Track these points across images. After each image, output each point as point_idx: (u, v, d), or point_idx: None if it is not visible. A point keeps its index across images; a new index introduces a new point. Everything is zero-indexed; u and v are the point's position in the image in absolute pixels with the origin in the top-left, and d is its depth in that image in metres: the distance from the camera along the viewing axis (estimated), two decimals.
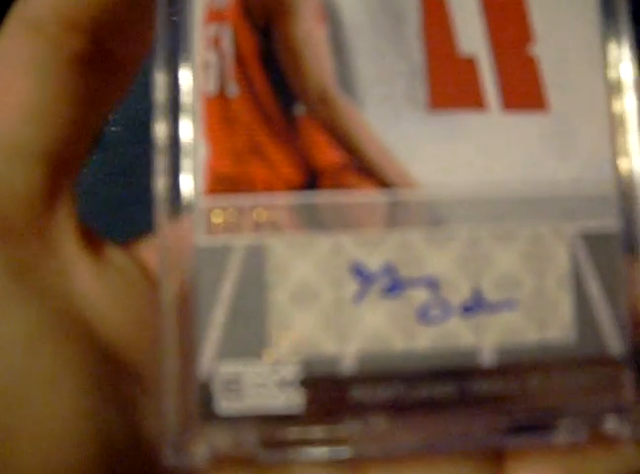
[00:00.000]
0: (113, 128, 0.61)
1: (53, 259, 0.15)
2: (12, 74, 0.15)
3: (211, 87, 0.14)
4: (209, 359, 0.14)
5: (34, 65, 0.15)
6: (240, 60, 0.15)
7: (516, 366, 0.15)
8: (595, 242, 0.15)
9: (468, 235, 0.15)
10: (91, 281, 0.15)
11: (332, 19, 0.15)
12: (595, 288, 0.15)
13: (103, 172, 0.53)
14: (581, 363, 0.15)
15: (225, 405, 0.14)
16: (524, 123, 0.15)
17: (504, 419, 0.15)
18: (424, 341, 0.14)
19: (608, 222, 0.15)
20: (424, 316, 0.14)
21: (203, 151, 0.14)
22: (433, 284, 0.14)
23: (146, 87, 0.15)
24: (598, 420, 0.15)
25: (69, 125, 0.15)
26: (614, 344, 0.15)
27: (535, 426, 0.15)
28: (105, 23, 0.15)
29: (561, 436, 0.15)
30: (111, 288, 0.15)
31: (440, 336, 0.14)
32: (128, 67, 0.16)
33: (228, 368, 0.14)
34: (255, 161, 0.14)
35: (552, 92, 0.15)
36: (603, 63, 0.15)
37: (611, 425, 0.15)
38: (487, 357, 0.15)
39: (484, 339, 0.15)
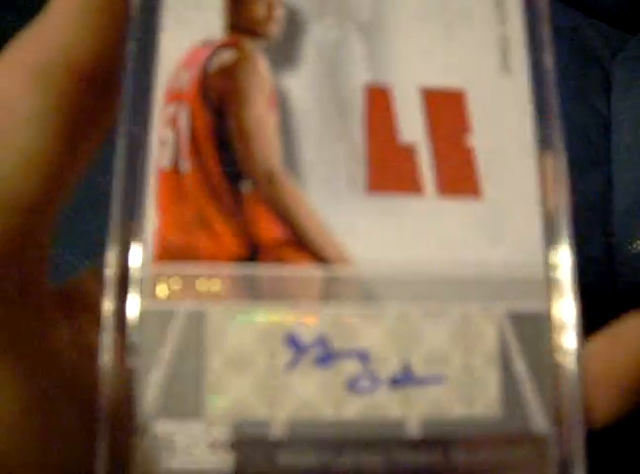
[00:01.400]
0: None
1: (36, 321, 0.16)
2: (10, 121, 0.15)
3: (165, 162, 0.16)
4: (145, 418, 0.15)
5: (36, 115, 0.15)
6: (194, 139, 0.16)
7: (441, 440, 0.15)
8: (522, 322, 0.16)
9: (399, 312, 0.16)
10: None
11: (282, 105, 0.16)
12: (521, 367, 0.16)
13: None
14: (506, 440, 0.16)
15: (159, 462, 0.15)
16: (458, 209, 0.16)
17: None
18: (352, 410, 0.15)
19: (536, 304, 0.16)
20: (353, 387, 0.15)
21: (154, 221, 0.16)
22: (363, 357, 0.16)
23: None
24: None
25: (63, 176, 0.16)
26: (539, 421, 0.16)
27: None
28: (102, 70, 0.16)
29: None
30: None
31: (368, 406, 0.15)
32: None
33: (163, 428, 0.15)
34: (201, 233, 0.16)
35: (486, 180, 0.17)
36: (536, 156, 0.17)
37: None
38: (413, 430, 0.15)
39: (411, 411, 0.15)
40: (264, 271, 0.16)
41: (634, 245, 0.43)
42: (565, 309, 0.16)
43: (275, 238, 0.16)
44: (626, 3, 0.58)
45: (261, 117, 0.16)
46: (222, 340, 0.15)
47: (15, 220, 0.15)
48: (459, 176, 0.17)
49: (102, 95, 0.16)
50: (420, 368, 0.16)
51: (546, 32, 0.17)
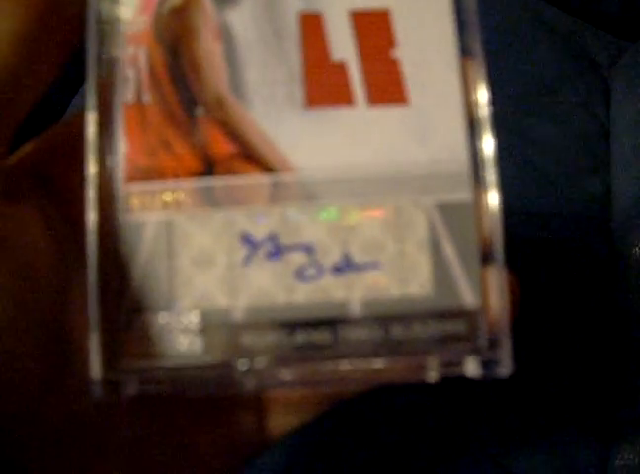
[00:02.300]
0: None
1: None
2: None
3: (130, 96, 0.19)
4: (128, 312, 0.18)
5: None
6: (153, 74, 0.19)
7: (380, 317, 0.18)
8: (449, 211, 0.18)
9: (338, 208, 0.18)
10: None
11: (226, 37, 0.19)
12: (450, 251, 0.18)
13: None
14: (439, 315, 0.18)
15: (139, 347, 0.18)
16: (388, 115, 0.19)
17: (371, 361, 0.18)
18: (301, 296, 0.18)
19: (461, 195, 0.19)
20: (301, 275, 0.18)
21: (124, 147, 0.19)
22: (309, 249, 0.18)
23: None
24: (458, 362, 0.18)
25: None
26: (468, 297, 0.18)
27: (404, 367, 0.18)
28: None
29: (429, 376, 0.18)
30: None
31: (314, 292, 0.18)
32: None
33: (143, 319, 0.18)
34: (164, 154, 0.19)
35: (412, 89, 0.19)
36: (458, 63, 0.19)
37: (470, 367, 0.18)
38: (355, 309, 0.18)
39: (352, 294, 0.18)
40: (219, 181, 0.19)
41: (634, 251, 0.44)
42: (488, 198, 0.18)
43: (227, 153, 0.19)
44: (626, 10, 0.59)
45: (208, 49, 0.19)
46: (187, 243, 0.18)
47: None
48: (387, 86, 0.19)
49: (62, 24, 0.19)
50: (358, 256, 0.18)
51: None
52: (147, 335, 0.18)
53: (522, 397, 0.37)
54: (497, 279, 0.18)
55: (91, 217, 0.18)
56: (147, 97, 0.19)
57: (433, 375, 0.18)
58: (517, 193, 0.47)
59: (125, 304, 0.18)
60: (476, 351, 0.18)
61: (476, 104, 0.19)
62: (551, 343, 0.39)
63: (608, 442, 0.37)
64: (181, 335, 0.18)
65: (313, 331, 0.18)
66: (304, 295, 0.18)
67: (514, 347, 0.18)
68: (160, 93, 0.19)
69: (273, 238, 0.18)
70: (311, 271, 0.18)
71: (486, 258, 0.18)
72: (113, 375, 0.18)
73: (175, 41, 0.19)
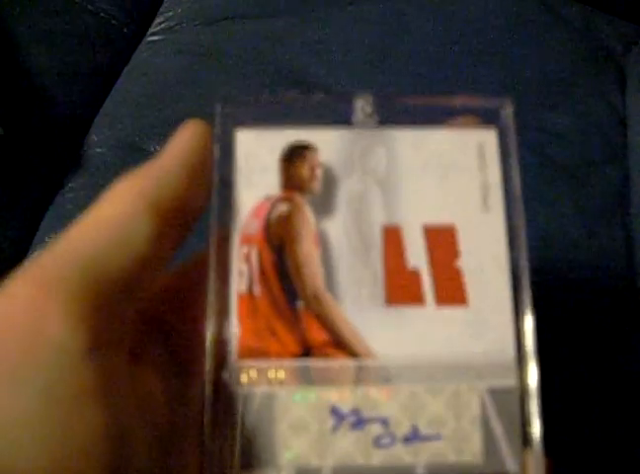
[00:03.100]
0: (97, 150, 0.65)
1: None
2: (124, 231, 0.22)
3: (243, 288, 0.24)
4: (237, 468, 0.23)
5: (144, 232, 0.22)
6: (262, 271, 0.24)
7: None
8: (498, 395, 0.23)
9: (409, 390, 0.23)
10: None
11: (324, 243, 0.24)
12: (497, 427, 0.23)
13: (89, 195, 0.58)
14: None
15: None
16: (451, 314, 0.24)
17: None
18: (377, 459, 0.23)
19: (508, 381, 0.23)
20: (377, 443, 0.23)
21: (237, 329, 0.23)
22: (384, 422, 0.23)
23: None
24: None
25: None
26: (511, 465, 0.23)
27: None
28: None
29: None
30: None
31: (388, 457, 0.23)
32: None
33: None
34: (270, 338, 0.23)
35: (471, 293, 0.24)
36: (508, 273, 0.24)
37: None
38: (420, 472, 0.23)
39: (418, 459, 0.23)
40: (315, 363, 0.23)
41: None
42: (529, 383, 0.23)
43: (321, 340, 0.24)
44: None
45: (309, 252, 0.24)
46: (287, 412, 0.23)
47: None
48: (451, 291, 0.24)
49: (182, 224, 0.24)
50: (424, 429, 0.23)
51: (516, 177, 0.24)
52: None
53: None
54: (536, 454, 0.23)
55: (208, 386, 0.23)
56: (257, 289, 0.24)
57: None
58: (533, 184, 0.48)
59: (234, 461, 0.23)
60: None
61: (522, 308, 0.24)
62: None
63: None
64: None
65: None
66: (379, 459, 0.23)
67: None
68: (268, 286, 0.24)
69: (356, 412, 0.23)
70: (386, 439, 0.23)
71: (527, 438, 0.23)
72: None
73: (281, 243, 0.24)
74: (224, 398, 0.23)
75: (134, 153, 0.60)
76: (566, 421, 0.40)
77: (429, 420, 0.23)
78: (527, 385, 0.24)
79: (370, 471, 0.23)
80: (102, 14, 0.74)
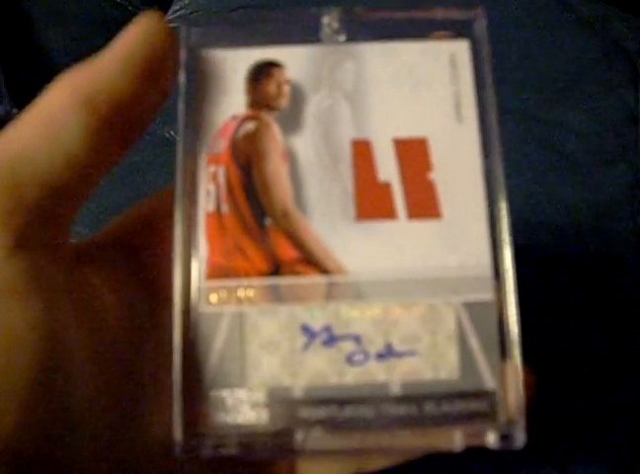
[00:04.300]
0: None
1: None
2: (58, 130, 0.22)
3: (211, 207, 0.23)
4: (206, 387, 0.23)
5: (78, 129, 0.22)
6: (229, 189, 0.24)
7: (415, 396, 0.23)
8: (474, 309, 0.23)
9: (382, 306, 0.23)
10: None
11: (291, 159, 0.24)
12: (474, 342, 0.23)
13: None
14: (465, 396, 0.23)
15: (214, 417, 0.23)
16: (424, 228, 0.23)
17: (407, 433, 0.23)
18: (350, 377, 0.23)
19: (484, 295, 0.23)
20: (350, 360, 0.23)
21: (204, 250, 0.23)
22: (357, 339, 0.23)
23: None
24: (480, 435, 0.23)
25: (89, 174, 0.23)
26: (489, 381, 0.23)
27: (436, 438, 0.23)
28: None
29: (455, 446, 0.23)
30: None
31: (361, 374, 0.23)
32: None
33: (219, 394, 0.23)
34: (238, 257, 0.23)
35: (444, 205, 0.24)
36: (483, 183, 0.24)
37: (490, 439, 0.23)
38: (394, 389, 0.23)
39: (393, 377, 0.23)
40: (284, 281, 0.23)
41: None
42: (507, 299, 0.23)
43: (291, 258, 0.23)
44: None
45: (276, 169, 0.24)
46: (257, 331, 0.23)
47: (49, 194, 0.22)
48: (423, 203, 0.24)
49: (123, 128, 0.23)
50: (398, 346, 0.23)
51: (490, 88, 0.24)
52: (222, 407, 0.23)
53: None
54: (514, 368, 0.23)
55: (176, 306, 0.23)
56: (225, 208, 0.24)
57: (458, 446, 0.23)
58: (545, 180, 0.48)
59: (204, 381, 0.23)
60: (495, 426, 0.23)
61: (499, 218, 0.23)
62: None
63: None
64: (250, 408, 0.23)
65: (359, 407, 0.23)
66: (352, 377, 0.23)
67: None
68: (236, 205, 0.24)
69: (327, 329, 0.23)
70: (359, 357, 0.23)
71: (506, 350, 0.23)
72: (191, 439, 0.22)
73: (248, 162, 0.24)
74: (193, 319, 0.23)
75: (148, 137, 0.61)
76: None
77: (403, 336, 0.23)
78: (505, 298, 0.23)
79: (343, 389, 0.23)
80: (119, 0, 0.76)
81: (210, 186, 0.24)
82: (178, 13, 0.75)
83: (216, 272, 0.23)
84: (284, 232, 0.24)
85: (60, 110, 0.22)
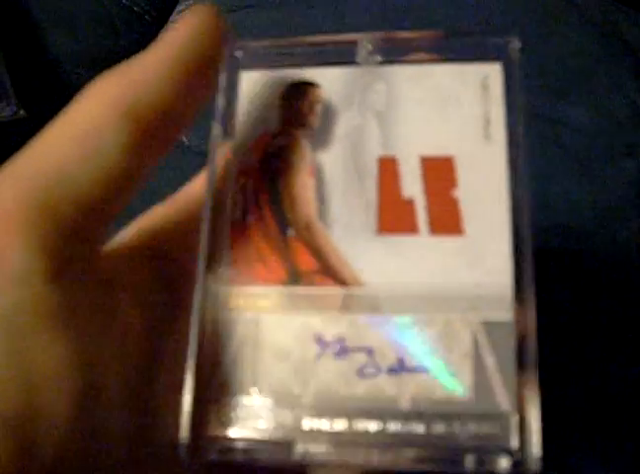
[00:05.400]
0: None
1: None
2: (97, 143, 0.21)
3: (237, 216, 0.25)
4: (216, 389, 0.23)
5: (115, 142, 0.21)
6: (257, 200, 0.25)
7: (425, 413, 0.22)
8: (492, 329, 0.23)
9: (398, 320, 0.23)
10: None
11: (319, 174, 0.25)
12: (490, 362, 0.22)
13: None
14: (478, 417, 0.22)
15: (222, 420, 0.23)
16: (445, 243, 0.24)
17: (415, 451, 0.22)
18: (360, 390, 0.23)
19: (502, 314, 0.23)
20: (361, 373, 0.23)
21: (228, 257, 0.24)
22: (369, 352, 0.23)
23: None
24: (493, 459, 0.22)
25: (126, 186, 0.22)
26: (504, 403, 0.22)
27: (443, 459, 0.22)
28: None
29: (464, 469, 0.22)
30: None
31: (371, 387, 0.23)
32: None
33: (228, 396, 0.23)
34: (260, 265, 0.24)
35: (467, 222, 0.24)
36: (508, 202, 0.24)
37: (502, 464, 0.22)
38: (404, 405, 0.22)
39: (403, 392, 0.23)
40: (302, 291, 0.24)
41: None
42: (526, 319, 0.23)
43: (310, 268, 0.24)
44: None
45: (303, 183, 0.25)
46: (271, 339, 0.23)
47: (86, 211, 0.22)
48: (446, 219, 0.24)
49: (163, 137, 0.23)
50: (410, 361, 0.23)
51: (520, 112, 0.24)
52: (230, 411, 0.23)
53: None
54: (531, 391, 0.22)
55: (195, 310, 0.24)
56: (250, 217, 0.25)
57: (467, 469, 0.22)
58: (551, 178, 0.48)
59: (215, 383, 0.23)
60: (508, 450, 0.22)
61: (522, 238, 0.23)
62: None
63: None
64: (257, 414, 0.23)
65: (367, 420, 0.23)
66: (362, 389, 0.23)
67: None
68: (260, 215, 0.25)
69: (341, 340, 0.23)
70: (370, 370, 0.23)
71: (523, 373, 0.22)
72: (197, 442, 0.23)
73: (277, 175, 0.25)
74: (210, 323, 0.24)
75: None
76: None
77: (416, 351, 0.23)
78: (525, 319, 0.23)
79: (352, 401, 0.23)
80: (124, 0, 0.78)
81: (239, 196, 0.25)
82: (183, 13, 0.79)
83: (238, 278, 0.24)
84: (305, 243, 0.24)
85: (99, 122, 0.21)
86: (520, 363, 0.22)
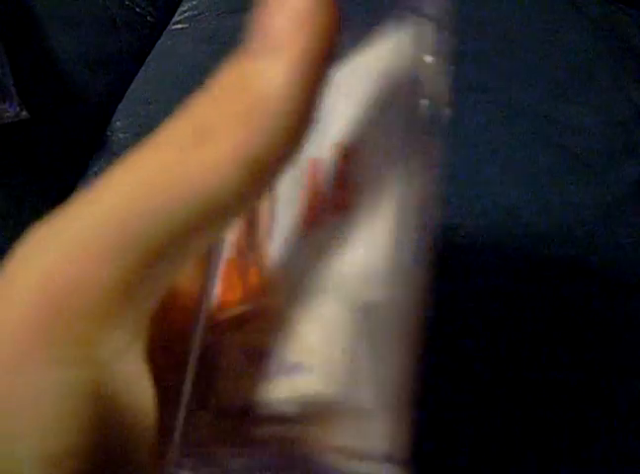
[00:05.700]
0: (120, 135, 0.67)
1: None
2: None
3: (229, 255, 0.26)
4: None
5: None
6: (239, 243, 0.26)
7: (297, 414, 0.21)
8: (369, 310, 0.21)
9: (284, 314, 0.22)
10: None
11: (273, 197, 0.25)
12: (363, 351, 0.20)
13: None
14: (344, 415, 0.20)
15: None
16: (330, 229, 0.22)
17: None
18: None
19: (379, 297, 0.21)
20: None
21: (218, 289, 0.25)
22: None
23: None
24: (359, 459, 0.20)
25: None
26: (369, 400, 0.20)
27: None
28: None
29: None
30: None
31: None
32: None
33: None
34: (230, 290, 0.25)
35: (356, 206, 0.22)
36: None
37: (370, 464, 0.19)
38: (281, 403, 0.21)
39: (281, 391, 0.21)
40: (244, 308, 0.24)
41: None
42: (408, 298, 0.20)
43: (253, 284, 0.24)
44: None
45: (261, 210, 0.26)
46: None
47: None
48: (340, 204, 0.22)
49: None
50: (291, 358, 0.21)
51: None
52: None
53: None
54: (405, 385, 0.20)
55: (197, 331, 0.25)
56: (234, 254, 0.26)
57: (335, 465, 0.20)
58: (549, 175, 0.48)
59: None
60: (375, 451, 0.19)
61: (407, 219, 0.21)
62: None
63: None
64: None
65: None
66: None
67: None
68: (240, 251, 0.26)
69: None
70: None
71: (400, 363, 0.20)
72: (185, 456, 0.22)
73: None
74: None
75: None
76: None
77: (296, 347, 0.22)
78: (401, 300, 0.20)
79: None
80: (126, 2, 0.77)
81: (233, 238, 0.26)
82: (186, 14, 0.78)
83: (221, 307, 0.25)
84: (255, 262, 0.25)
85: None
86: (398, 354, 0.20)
